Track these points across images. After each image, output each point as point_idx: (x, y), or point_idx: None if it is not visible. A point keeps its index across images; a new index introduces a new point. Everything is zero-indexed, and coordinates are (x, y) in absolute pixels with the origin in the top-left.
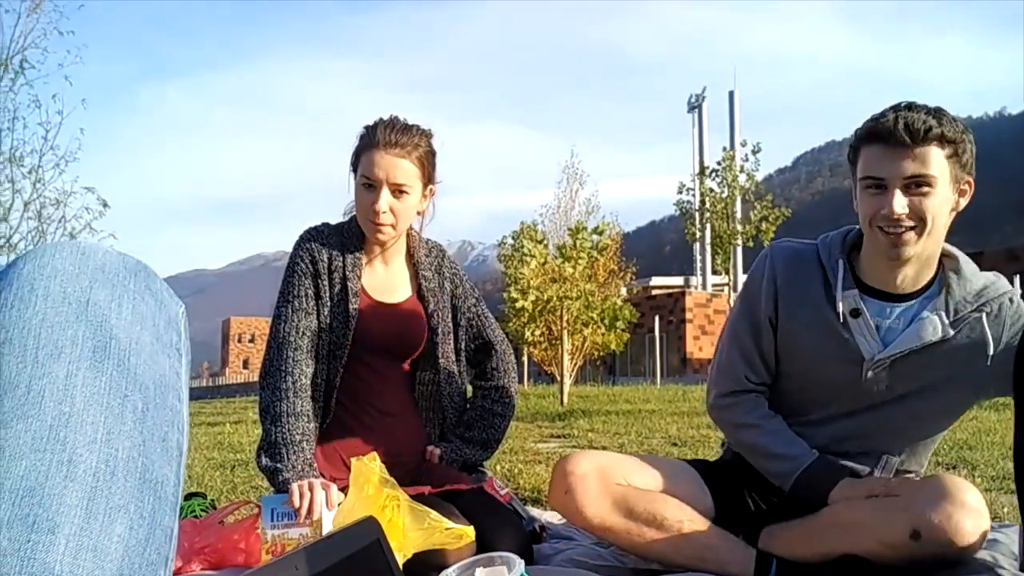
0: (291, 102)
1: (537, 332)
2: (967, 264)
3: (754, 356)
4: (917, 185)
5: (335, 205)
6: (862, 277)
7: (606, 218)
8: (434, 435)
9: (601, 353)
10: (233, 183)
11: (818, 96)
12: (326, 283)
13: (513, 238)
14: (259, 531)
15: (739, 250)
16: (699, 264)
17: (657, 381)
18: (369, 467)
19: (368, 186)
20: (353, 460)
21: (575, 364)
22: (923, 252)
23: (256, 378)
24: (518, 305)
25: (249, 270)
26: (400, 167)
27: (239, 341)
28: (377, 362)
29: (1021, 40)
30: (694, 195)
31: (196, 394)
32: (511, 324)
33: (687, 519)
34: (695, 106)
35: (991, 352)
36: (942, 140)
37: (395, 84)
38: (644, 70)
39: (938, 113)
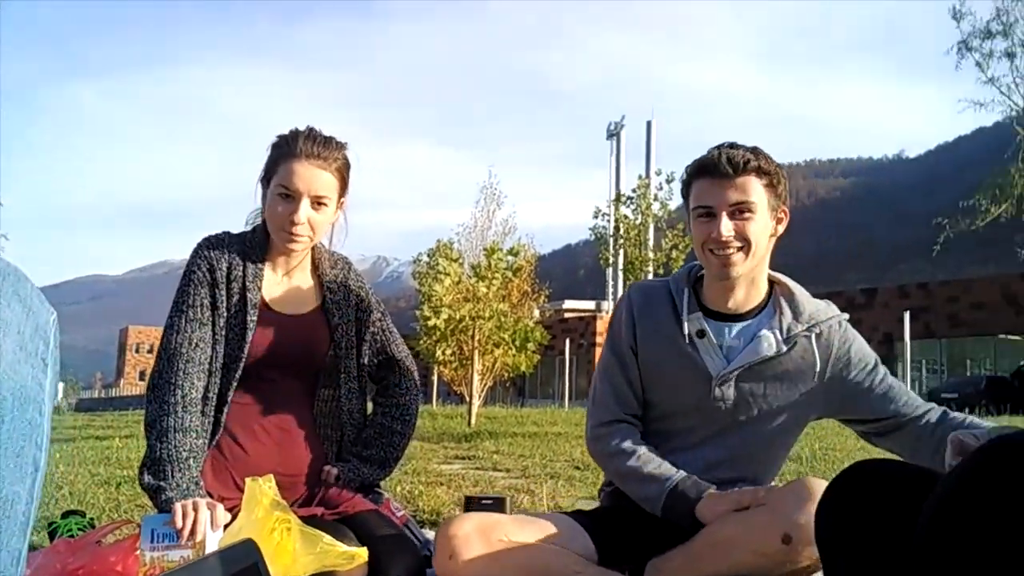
0: (212, 109)
1: (448, 351)
2: (798, 290)
3: (622, 387)
4: (740, 211)
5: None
6: (704, 302)
7: (522, 239)
8: (331, 454)
9: (511, 374)
10: (145, 189)
11: (732, 132)
12: (224, 293)
13: (428, 255)
14: (138, 552)
15: (650, 276)
16: (611, 289)
17: (565, 404)
18: (262, 489)
19: (286, 196)
20: (247, 481)
21: (485, 385)
22: (749, 272)
23: None
24: (430, 323)
25: (151, 277)
26: (321, 179)
27: (136, 351)
28: (276, 376)
29: (919, 88)
30: (609, 221)
31: (87, 405)
32: (422, 342)
33: (572, 564)
34: (613, 134)
35: (818, 371)
36: (759, 171)
37: (319, 97)
38: (566, 97)
39: (755, 150)
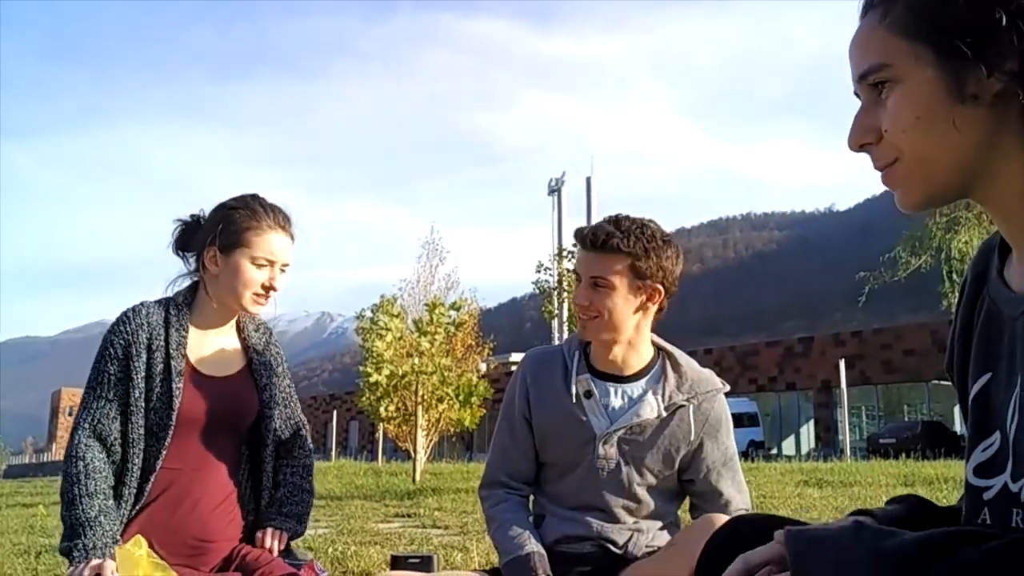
0: (145, 169)
1: (392, 407)
2: (684, 360)
3: (508, 451)
4: (597, 284)
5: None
6: (593, 363)
7: (465, 294)
8: (248, 518)
9: (456, 429)
10: (78, 249)
11: (669, 188)
12: (143, 363)
13: (372, 311)
14: None
15: None
16: (557, 341)
17: None
18: (135, 554)
19: (260, 266)
20: (117, 549)
21: (431, 440)
22: (609, 338)
23: None
24: (372, 379)
25: (86, 338)
26: (290, 248)
27: (70, 414)
28: (205, 440)
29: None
30: (552, 275)
31: (16, 471)
32: (365, 398)
33: None
34: (555, 189)
35: (692, 438)
36: (619, 251)
37: (257, 157)
38: (506, 155)
39: (630, 228)
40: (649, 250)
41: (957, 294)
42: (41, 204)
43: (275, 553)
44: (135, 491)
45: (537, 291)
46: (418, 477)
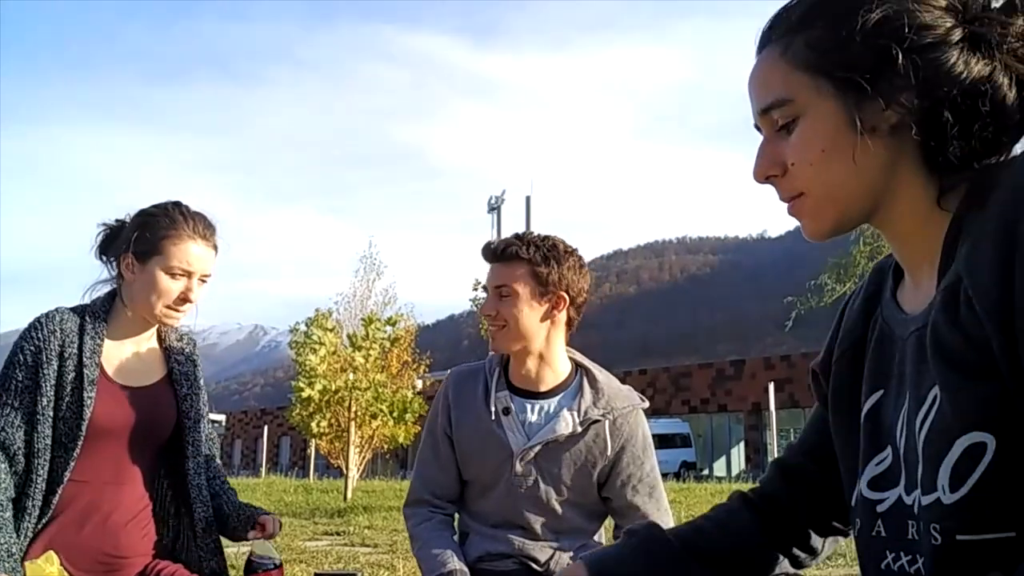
0: (74, 172)
1: (324, 423)
2: (602, 376)
3: (432, 468)
4: (501, 294)
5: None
6: (511, 379)
7: (402, 310)
8: (168, 532)
9: (390, 446)
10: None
11: (606, 208)
12: (53, 371)
13: (306, 325)
14: None
15: None
16: None
17: None
18: (46, 570)
19: (176, 275)
20: (27, 564)
21: (363, 457)
22: (519, 348)
23: None
24: (304, 394)
25: (3, 347)
26: (210, 258)
27: None
28: (118, 451)
29: None
30: None
31: None
32: (296, 413)
33: None
34: (494, 208)
35: (609, 454)
36: (519, 258)
37: (191, 162)
38: (447, 171)
39: (534, 241)
40: (549, 258)
41: (840, 313)
42: None
43: (274, 533)
44: (40, 504)
45: (475, 308)
46: (349, 495)
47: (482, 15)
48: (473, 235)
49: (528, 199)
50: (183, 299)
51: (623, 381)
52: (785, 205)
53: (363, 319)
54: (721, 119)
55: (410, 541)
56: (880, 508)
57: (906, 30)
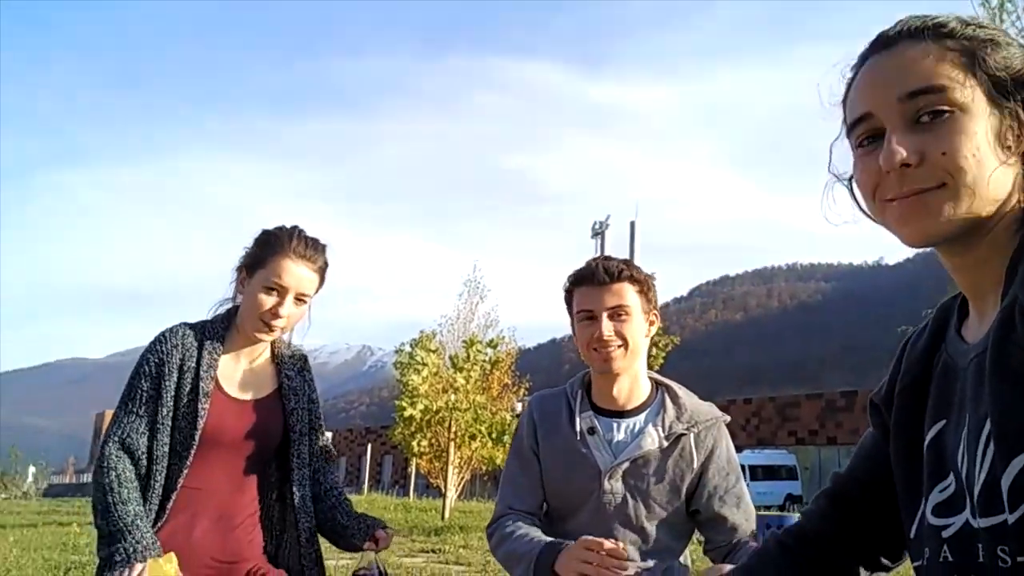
0: (198, 198)
1: (424, 442)
2: (683, 392)
3: (521, 486)
4: (618, 314)
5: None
6: (595, 400)
7: (503, 332)
8: (273, 540)
9: (488, 468)
10: (129, 274)
11: (713, 235)
12: (173, 383)
13: (410, 346)
14: None
15: None
16: None
17: None
18: (164, 568)
19: (272, 290)
20: (149, 562)
21: (462, 477)
22: (630, 368)
23: None
24: (406, 414)
25: (132, 361)
26: (308, 278)
27: None
28: (229, 460)
29: None
30: None
31: (57, 491)
32: (399, 432)
33: None
34: (598, 233)
35: (695, 467)
36: (632, 279)
37: (309, 192)
38: (551, 198)
39: (628, 262)
40: (649, 279)
41: (901, 348)
42: (95, 228)
43: (386, 547)
44: (156, 508)
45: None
46: (447, 514)
47: (591, 44)
48: (576, 260)
49: (633, 224)
50: (274, 314)
51: (726, 410)
52: (902, 202)
53: (465, 341)
54: (827, 141)
55: (497, 550)
56: (945, 534)
57: None
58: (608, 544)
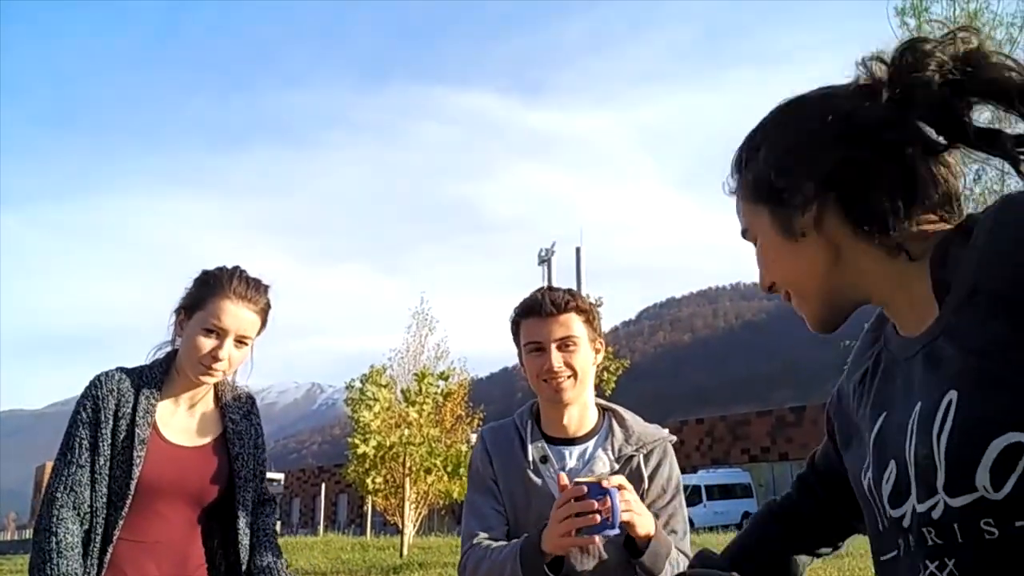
0: (136, 237)
1: (379, 479)
2: (629, 415)
3: (485, 515)
4: (566, 345)
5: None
6: (545, 429)
7: (454, 364)
8: None
9: (445, 502)
10: (67, 318)
11: (658, 259)
12: (109, 430)
13: (361, 381)
14: None
15: None
16: None
17: None
18: None
19: (211, 332)
20: None
21: (419, 513)
22: (579, 397)
23: None
24: (359, 451)
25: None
26: (248, 320)
27: None
28: (169, 510)
29: None
30: None
31: None
32: (352, 470)
33: None
34: (545, 260)
35: (645, 487)
36: (578, 309)
37: (250, 225)
38: (496, 226)
39: (573, 292)
40: (594, 308)
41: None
42: (33, 271)
43: None
44: (96, 563)
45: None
46: (405, 551)
47: (530, 73)
48: (524, 287)
49: (578, 250)
50: (214, 357)
51: (679, 431)
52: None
53: (416, 374)
54: None
55: (476, 571)
56: (905, 523)
57: (789, 159)
58: (569, 488)
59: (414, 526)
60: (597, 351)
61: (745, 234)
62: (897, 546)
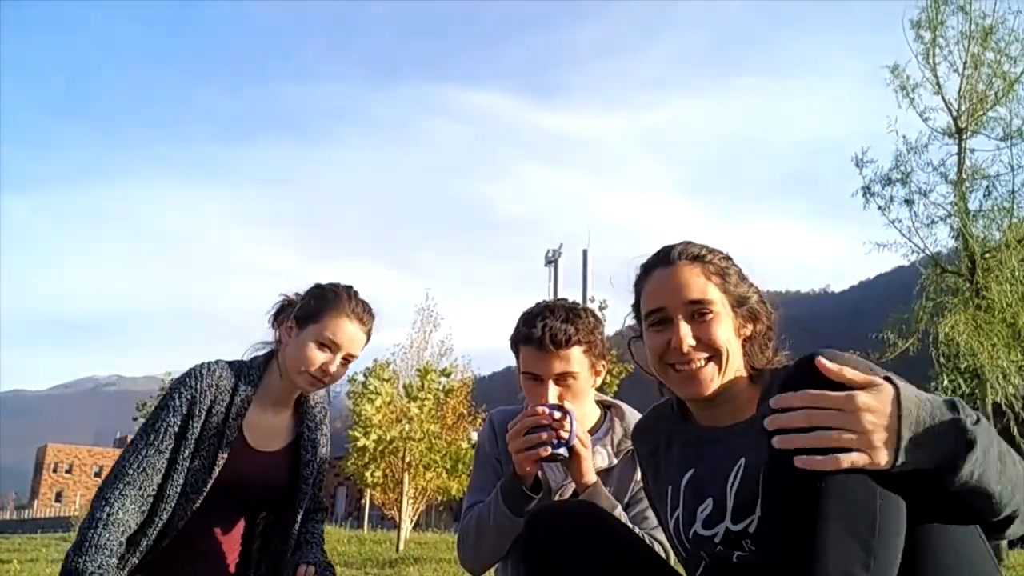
0: (145, 225)
1: (378, 473)
2: (630, 411)
3: (488, 488)
4: (564, 379)
5: (180, 329)
6: None
7: (458, 361)
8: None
9: (443, 498)
10: (73, 303)
11: None
12: (199, 424)
13: (364, 375)
14: None
15: None
16: None
17: None
18: None
19: (324, 346)
20: None
21: (416, 508)
22: (583, 415)
23: (69, 512)
24: (359, 444)
25: (77, 394)
26: (360, 340)
27: (54, 471)
28: (231, 508)
29: (839, 228)
30: None
31: None
32: (351, 463)
33: None
34: (551, 261)
35: (637, 478)
36: (579, 343)
37: (257, 218)
38: (504, 225)
39: (576, 321)
40: (596, 332)
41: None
42: (36, 256)
43: None
44: (151, 544)
45: None
46: (402, 546)
47: (542, 74)
48: (530, 287)
49: (585, 252)
50: (323, 371)
51: None
52: (702, 358)
53: (418, 370)
54: (780, 173)
55: (465, 539)
56: (716, 539)
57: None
58: (528, 410)
59: (411, 521)
60: (598, 373)
61: (700, 304)
62: (703, 557)
